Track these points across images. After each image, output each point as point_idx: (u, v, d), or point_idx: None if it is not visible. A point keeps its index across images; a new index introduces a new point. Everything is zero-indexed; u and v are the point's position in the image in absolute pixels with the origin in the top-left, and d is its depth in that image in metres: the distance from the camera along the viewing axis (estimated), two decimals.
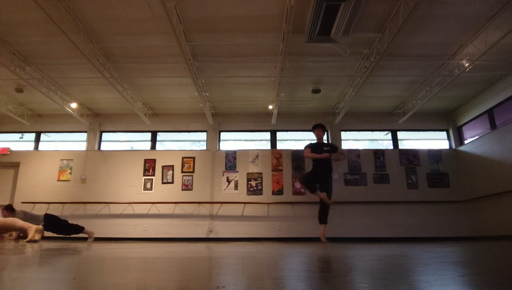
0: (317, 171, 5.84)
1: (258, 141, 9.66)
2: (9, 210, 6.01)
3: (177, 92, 8.26)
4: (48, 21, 5.23)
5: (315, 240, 6.09)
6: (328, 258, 1.95)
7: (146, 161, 9.00)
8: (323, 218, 5.72)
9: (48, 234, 6.18)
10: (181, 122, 9.50)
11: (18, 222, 5.00)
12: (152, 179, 8.86)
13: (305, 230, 8.28)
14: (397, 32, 5.33)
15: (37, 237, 4.74)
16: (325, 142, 6.07)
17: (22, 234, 5.40)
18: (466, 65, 6.42)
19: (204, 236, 8.40)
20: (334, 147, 6.06)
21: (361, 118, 9.42)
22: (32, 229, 4.72)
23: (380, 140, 9.78)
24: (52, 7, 5.09)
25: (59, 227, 6.28)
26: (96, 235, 6.84)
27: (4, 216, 5.96)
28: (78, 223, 6.54)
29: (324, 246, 3.68)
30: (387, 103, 8.92)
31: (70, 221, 6.49)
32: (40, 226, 4.88)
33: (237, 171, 8.89)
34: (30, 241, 4.60)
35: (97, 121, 9.51)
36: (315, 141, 6.12)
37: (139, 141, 9.69)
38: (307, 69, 7.15)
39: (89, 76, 7.19)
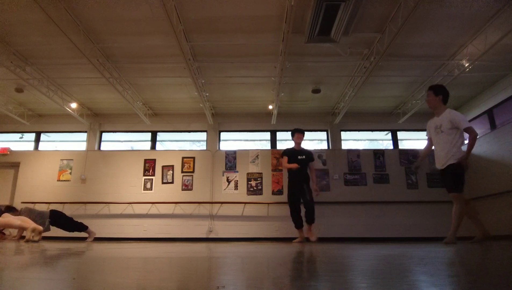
0: (293, 181, 5.73)
1: (258, 141, 9.66)
2: (11, 210, 5.99)
3: (177, 92, 8.26)
4: (48, 21, 5.23)
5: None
6: (328, 258, 1.95)
7: (146, 161, 9.00)
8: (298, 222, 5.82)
9: (48, 234, 6.18)
10: (181, 122, 9.50)
11: (15, 221, 4.98)
12: (152, 179, 8.86)
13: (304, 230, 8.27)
14: (397, 32, 5.34)
15: (36, 237, 4.72)
16: (302, 148, 5.88)
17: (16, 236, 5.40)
18: (466, 65, 6.42)
19: (204, 236, 8.40)
20: (310, 155, 5.84)
21: (361, 118, 9.42)
22: (29, 229, 4.70)
23: (380, 140, 9.78)
24: (52, 7, 5.09)
25: (63, 223, 6.32)
26: (96, 235, 6.85)
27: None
28: (82, 223, 6.59)
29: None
30: (387, 103, 8.93)
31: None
32: (39, 227, 4.86)
33: (237, 171, 8.88)
34: (28, 241, 4.59)
35: (97, 121, 9.51)
36: (292, 147, 5.93)
37: (139, 141, 9.69)
38: (307, 69, 7.15)
39: (89, 76, 7.19)
